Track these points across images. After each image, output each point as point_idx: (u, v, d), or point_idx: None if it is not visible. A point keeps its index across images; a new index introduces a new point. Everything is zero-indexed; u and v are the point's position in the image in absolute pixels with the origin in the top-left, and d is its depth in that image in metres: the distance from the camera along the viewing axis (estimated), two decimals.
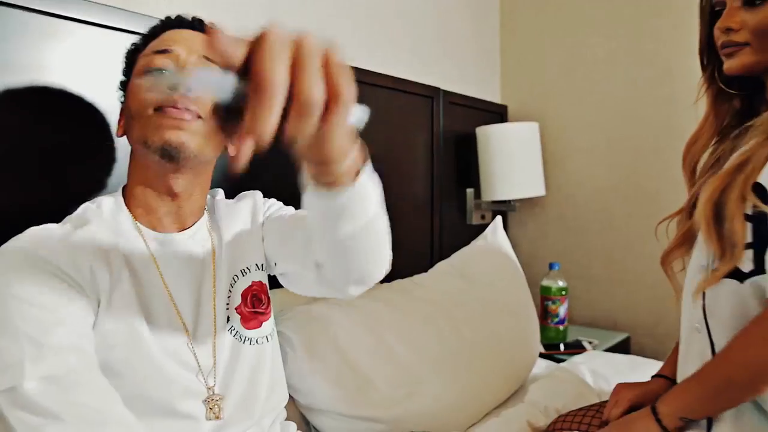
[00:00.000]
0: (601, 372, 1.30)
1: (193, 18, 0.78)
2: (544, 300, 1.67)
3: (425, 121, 1.66)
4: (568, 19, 1.90)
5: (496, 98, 2.04)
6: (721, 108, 0.86)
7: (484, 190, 1.76)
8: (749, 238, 0.70)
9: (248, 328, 0.79)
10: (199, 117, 0.69)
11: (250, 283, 0.81)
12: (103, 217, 0.72)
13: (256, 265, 0.82)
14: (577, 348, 1.61)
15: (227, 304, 0.78)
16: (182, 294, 0.74)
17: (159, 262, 0.73)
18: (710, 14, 0.83)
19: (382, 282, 0.71)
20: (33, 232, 0.66)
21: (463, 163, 1.81)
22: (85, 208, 0.73)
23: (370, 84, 1.41)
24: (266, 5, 1.25)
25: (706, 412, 0.75)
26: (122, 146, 0.89)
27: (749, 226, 0.71)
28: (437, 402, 1.04)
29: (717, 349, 0.75)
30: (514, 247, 1.49)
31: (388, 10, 1.58)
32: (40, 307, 0.60)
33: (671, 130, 1.68)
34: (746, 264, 0.71)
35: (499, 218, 1.50)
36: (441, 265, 1.37)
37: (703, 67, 0.88)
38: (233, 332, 0.77)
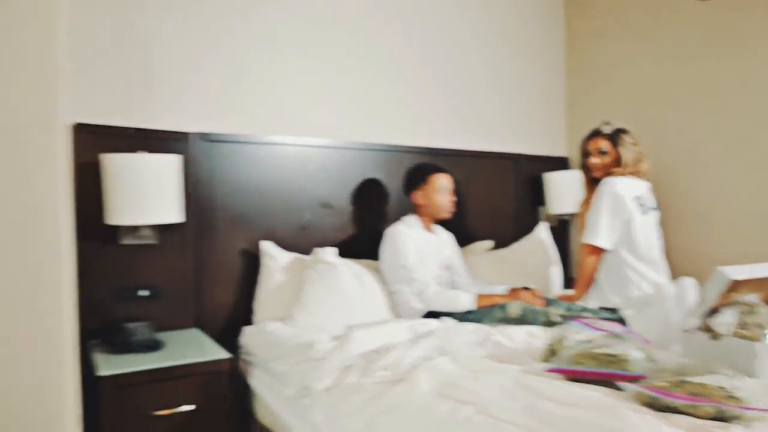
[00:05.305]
0: None
1: None
2: None
3: (519, 170, 3.16)
4: (614, 90, 3.25)
5: (560, 151, 3.43)
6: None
7: (550, 207, 3.17)
8: None
9: None
10: None
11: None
12: (413, 224, 2.36)
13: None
14: None
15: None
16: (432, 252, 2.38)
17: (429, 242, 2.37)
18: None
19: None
20: (401, 227, 2.32)
21: (537, 192, 3.25)
22: (408, 219, 2.37)
23: (477, 157, 2.95)
24: (363, 103, 2.83)
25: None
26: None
27: None
28: None
29: None
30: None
31: (481, 100, 3.09)
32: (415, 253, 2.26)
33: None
34: None
35: (545, 224, 2.93)
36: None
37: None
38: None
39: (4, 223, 1.28)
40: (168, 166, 1.97)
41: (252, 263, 2.32)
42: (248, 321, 2.24)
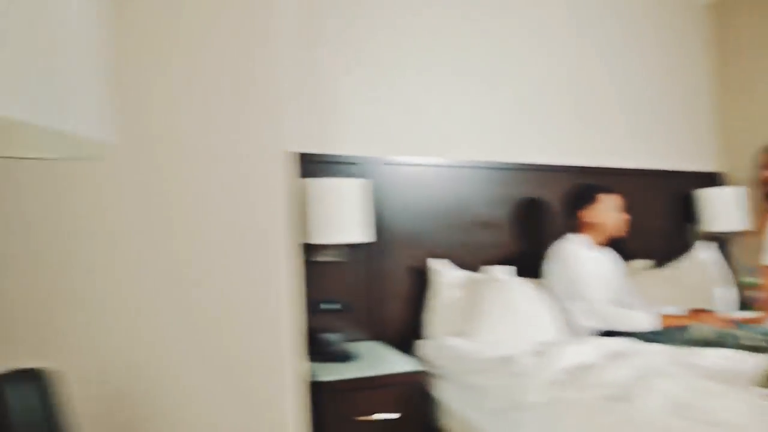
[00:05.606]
0: None
1: None
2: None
3: (665, 186, 3.10)
4: None
5: (710, 167, 3.31)
6: None
7: (704, 225, 3.06)
8: None
9: None
10: None
11: None
12: (580, 242, 2.37)
13: None
14: None
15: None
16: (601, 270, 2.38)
17: (597, 260, 2.37)
18: None
19: None
20: (570, 245, 2.34)
21: (687, 209, 3.16)
22: (574, 238, 2.38)
23: (626, 174, 2.92)
24: (521, 130, 2.85)
25: None
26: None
27: None
28: None
29: None
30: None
31: (626, 117, 3.06)
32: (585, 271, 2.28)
33: None
34: None
35: (705, 243, 2.84)
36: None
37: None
38: None
39: (239, 241, 1.46)
40: (358, 190, 2.13)
41: (418, 279, 2.44)
42: (416, 334, 2.36)
